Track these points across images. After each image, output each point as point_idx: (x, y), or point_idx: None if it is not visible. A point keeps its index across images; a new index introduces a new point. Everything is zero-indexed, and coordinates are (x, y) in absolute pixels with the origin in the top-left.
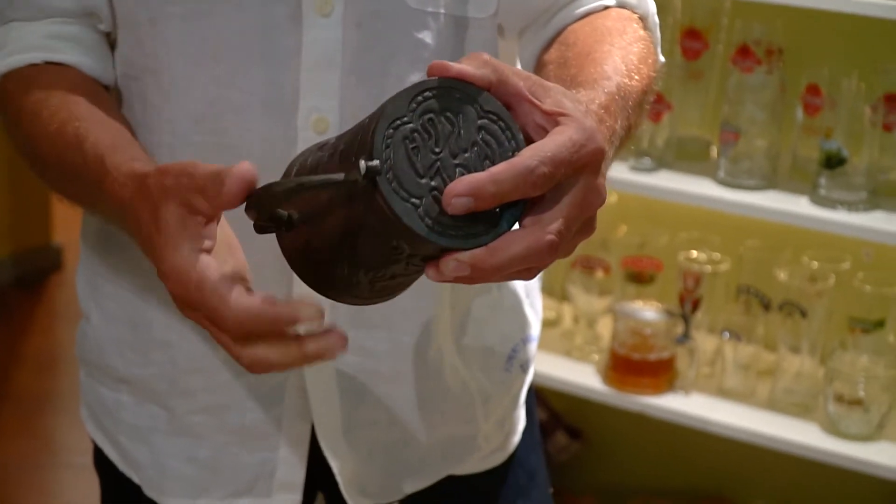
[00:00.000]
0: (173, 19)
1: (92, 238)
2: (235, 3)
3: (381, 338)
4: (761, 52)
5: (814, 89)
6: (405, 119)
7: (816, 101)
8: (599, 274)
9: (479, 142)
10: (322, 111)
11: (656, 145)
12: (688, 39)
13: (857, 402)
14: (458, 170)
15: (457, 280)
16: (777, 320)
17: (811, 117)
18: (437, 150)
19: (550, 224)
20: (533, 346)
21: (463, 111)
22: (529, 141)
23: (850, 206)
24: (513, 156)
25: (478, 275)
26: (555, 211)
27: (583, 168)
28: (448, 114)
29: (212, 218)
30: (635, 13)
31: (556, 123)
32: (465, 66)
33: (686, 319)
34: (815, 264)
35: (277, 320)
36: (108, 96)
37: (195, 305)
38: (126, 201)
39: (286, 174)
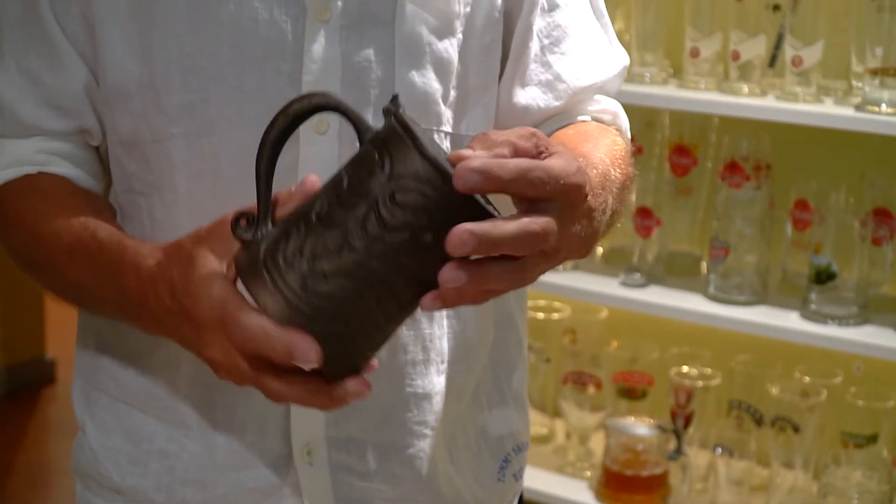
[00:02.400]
0: (176, 139)
1: (91, 347)
2: (233, 122)
3: (376, 454)
4: (749, 168)
5: (802, 204)
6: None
7: (805, 216)
8: (591, 389)
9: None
10: None
11: (646, 260)
12: (676, 155)
13: None
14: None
15: (471, 283)
16: (769, 435)
17: (800, 232)
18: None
19: (536, 220)
20: (524, 455)
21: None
22: None
23: (841, 321)
24: None
25: (482, 247)
26: (540, 214)
27: (566, 195)
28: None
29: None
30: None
31: (549, 151)
32: (489, 162)
33: (678, 435)
34: (807, 379)
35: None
36: (107, 203)
37: (219, 326)
38: (148, 274)
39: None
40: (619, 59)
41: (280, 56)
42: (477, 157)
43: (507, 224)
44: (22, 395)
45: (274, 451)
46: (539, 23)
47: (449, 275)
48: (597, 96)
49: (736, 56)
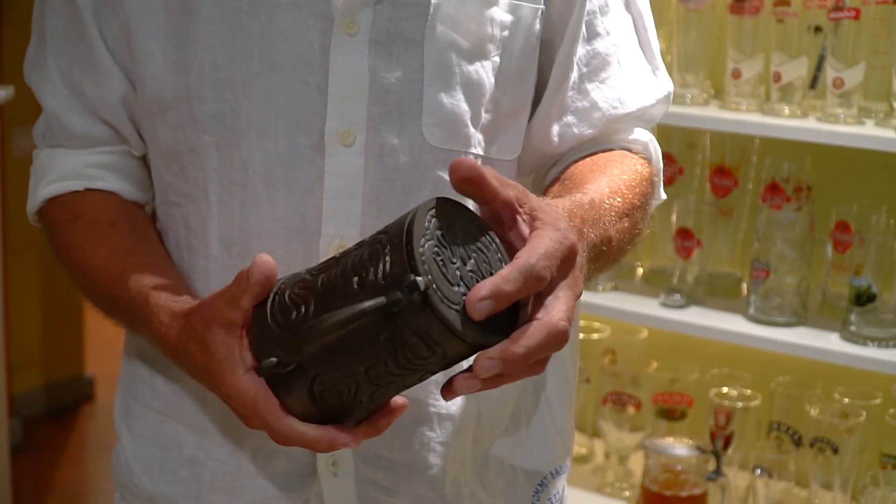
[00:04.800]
0: (209, 147)
1: (131, 356)
2: (262, 132)
3: (399, 472)
4: (790, 190)
5: (843, 226)
6: (427, 237)
7: (846, 238)
8: (630, 410)
9: (476, 250)
10: (344, 238)
11: (686, 281)
12: (717, 177)
13: None
14: (472, 277)
15: (485, 384)
16: (808, 456)
17: (841, 254)
18: (453, 261)
19: (557, 312)
20: (563, 478)
21: (458, 225)
22: (507, 242)
23: (881, 343)
24: (501, 259)
25: (507, 368)
26: (556, 301)
27: (565, 261)
28: (453, 229)
29: (247, 321)
30: (639, 155)
31: (534, 225)
32: (486, 172)
33: (718, 456)
34: (846, 400)
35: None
36: (147, 219)
37: (253, 418)
38: (174, 340)
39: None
40: (662, 86)
41: (308, 68)
42: (482, 286)
43: (531, 335)
44: (61, 414)
45: (299, 460)
46: (579, 51)
47: (464, 387)
48: (635, 126)
49: (777, 77)
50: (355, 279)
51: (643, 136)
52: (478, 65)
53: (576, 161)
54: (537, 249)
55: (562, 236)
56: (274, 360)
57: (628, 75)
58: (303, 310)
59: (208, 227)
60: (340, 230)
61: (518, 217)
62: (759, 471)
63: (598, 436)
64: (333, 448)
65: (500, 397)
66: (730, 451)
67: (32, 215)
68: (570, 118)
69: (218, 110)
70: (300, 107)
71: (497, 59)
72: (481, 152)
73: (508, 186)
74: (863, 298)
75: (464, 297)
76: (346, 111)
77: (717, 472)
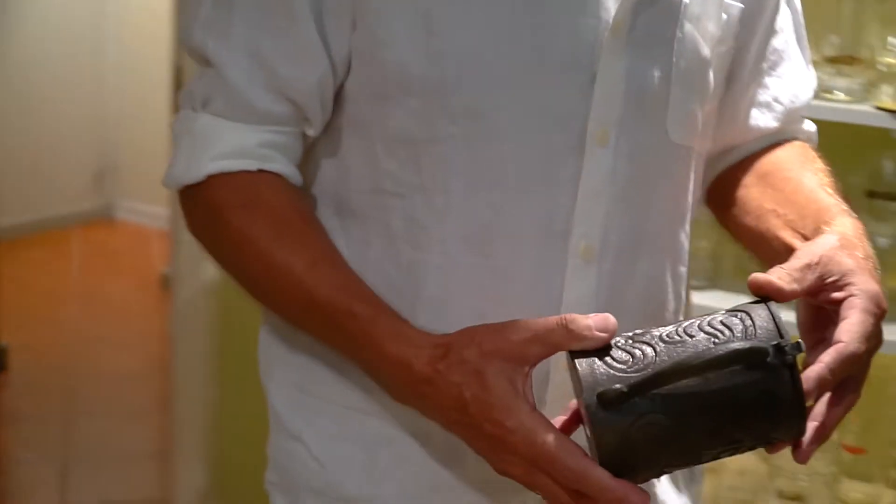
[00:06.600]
0: (455, 140)
1: (301, 347)
2: (520, 128)
3: None
4: None
5: None
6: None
7: None
8: None
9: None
10: (590, 239)
11: None
12: None
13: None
14: None
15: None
16: None
17: None
18: None
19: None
20: None
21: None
22: (819, 314)
23: None
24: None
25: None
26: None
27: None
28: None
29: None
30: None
31: (845, 290)
32: (783, 286)
33: None
34: None
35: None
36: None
37: (540, 463)
38: (426, 374)
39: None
40: (814, 78)
41: (576, 67)
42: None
43: (835, 413)
44: None
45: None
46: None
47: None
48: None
49: None
50: (707, 338)
51: (810, 126)
52: (711, 65)
53: (761, 153)
54: (854, 330)
55: (875, 304)
56: (623, 388)
57: (797, 69)
58: (644, 355)
59: (444, 223)
60: (588, 230)
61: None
62: None
63: None
64: None
65: None
66: None
67: (179, 185)
68: (756, 111)
69: (473, 102)
70: (560, 108)
71: (715, 57)
72: (700, 148)
73: (808, 269)
74: None
75: None
76: (606, 112)
77: None
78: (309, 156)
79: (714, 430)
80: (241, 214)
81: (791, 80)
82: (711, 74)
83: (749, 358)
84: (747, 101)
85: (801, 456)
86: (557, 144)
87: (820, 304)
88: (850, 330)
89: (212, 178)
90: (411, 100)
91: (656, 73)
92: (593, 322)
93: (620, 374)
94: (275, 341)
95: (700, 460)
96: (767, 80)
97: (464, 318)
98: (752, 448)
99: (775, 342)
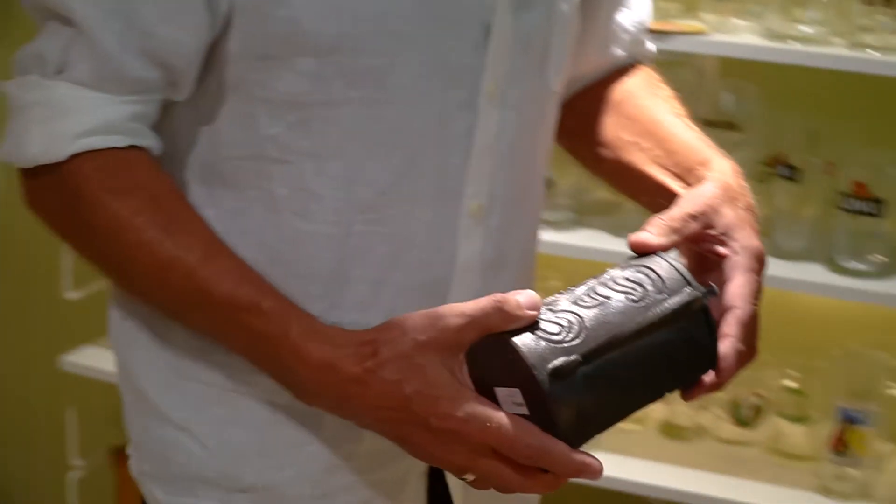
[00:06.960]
0: (353, 104)
1: (171, 338)
2: (417, 89)
3: None
4: None
5: None
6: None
7: None
8: None
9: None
10: (480, 198)
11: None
12: None
13: None
14: None
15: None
16: None
17: None
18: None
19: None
20: None
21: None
22: (700, 258)
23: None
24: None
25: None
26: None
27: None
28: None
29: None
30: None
31: (728, 247)
32: (661, 241)
33: None
34: None
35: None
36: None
37: (497, 447)
38: (357, 375)
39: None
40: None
41: (471, 21)
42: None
43: (734, 360)
44: None
45: None
46: None
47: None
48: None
49: None
50: (625, 295)
51: (651, 46)
52: (573, 4)
53: (606, 80)
54: (745, 291)
55: (756, 259)
56: (578, 357)
57: None
58: (571, 323)
59: (339, 191)
60: (478, 189)
61: (710, 243)
62: None
63: None
64: (577, 476)
65: None
66: None
67: (33, 163)
68: (605, 43)
69: (374, 65)
70: (459, 61)
71: None
72: (560, 90)
73: (690, 219)
74: None
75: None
76: (497, 65)
77: None
78: (165, 121)
79: (653, 384)
80: (116, 199)
81: (635, 7)
82: (574, 15)
83: (688, 312)
84: (599, 34)
85: (689, 396)
86: (452, 102)
87: (702, 252)
88: (740, 294)
89: (75, 157)
90: (303, 60)
91: (540, 22)
92: (523, 300)
93: (559, 346)
94: (135, 325)
95: (633, 413)
96: (615, 11)
97: (359, 289)
98: (671, 392)
99: (703, 291)
